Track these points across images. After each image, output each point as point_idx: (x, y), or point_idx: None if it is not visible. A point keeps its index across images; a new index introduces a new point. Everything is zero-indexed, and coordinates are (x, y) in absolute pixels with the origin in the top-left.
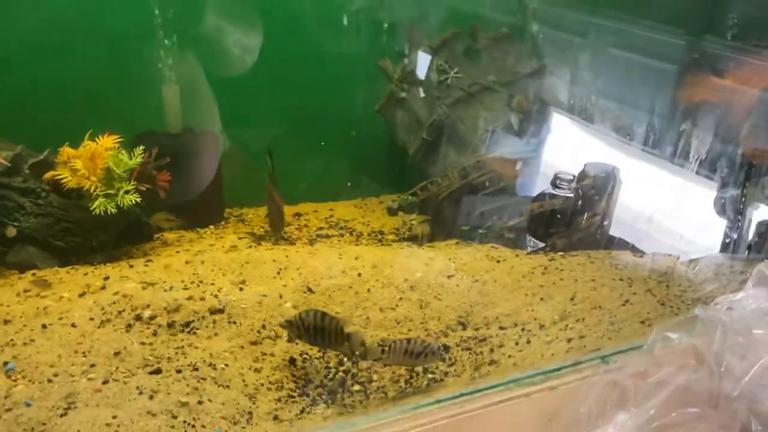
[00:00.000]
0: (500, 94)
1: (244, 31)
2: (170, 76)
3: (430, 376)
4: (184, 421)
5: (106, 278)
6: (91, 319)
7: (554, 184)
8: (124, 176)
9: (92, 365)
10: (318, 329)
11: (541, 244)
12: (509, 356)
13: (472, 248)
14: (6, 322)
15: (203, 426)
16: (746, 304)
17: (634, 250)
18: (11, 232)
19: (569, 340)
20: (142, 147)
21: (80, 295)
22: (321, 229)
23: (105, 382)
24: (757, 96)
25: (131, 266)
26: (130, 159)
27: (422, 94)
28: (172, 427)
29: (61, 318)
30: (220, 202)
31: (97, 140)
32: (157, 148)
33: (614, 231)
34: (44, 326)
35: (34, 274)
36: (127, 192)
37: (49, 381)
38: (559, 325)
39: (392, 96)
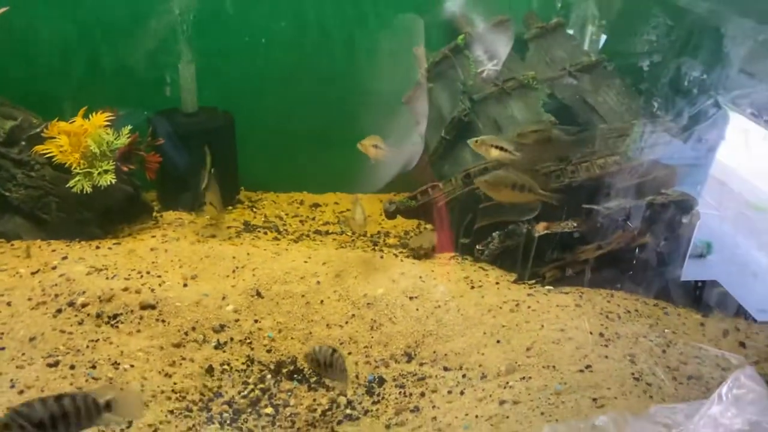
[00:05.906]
0: (539, 93)
1: None
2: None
3: (348, 411)
4: None
5: (64, 258)
6: (29, 299)
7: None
8: (109, 155)
9: (2, 348)
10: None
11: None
12: (434, 406)
13: (458, 266)
14: None
15: None
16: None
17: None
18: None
19: (501, 403)
20: (129, 127)
21: (33, 273)
22: (326, 224)
23: None
24: None
25: (97, 247)
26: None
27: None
28: None
29: (3, 295)
30: (232, 185)
31: (91, 117)
32: (173, 127)
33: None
34: None
35: (13, 245)
36: (105, 172)
37: None
38: (501, 379)
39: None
